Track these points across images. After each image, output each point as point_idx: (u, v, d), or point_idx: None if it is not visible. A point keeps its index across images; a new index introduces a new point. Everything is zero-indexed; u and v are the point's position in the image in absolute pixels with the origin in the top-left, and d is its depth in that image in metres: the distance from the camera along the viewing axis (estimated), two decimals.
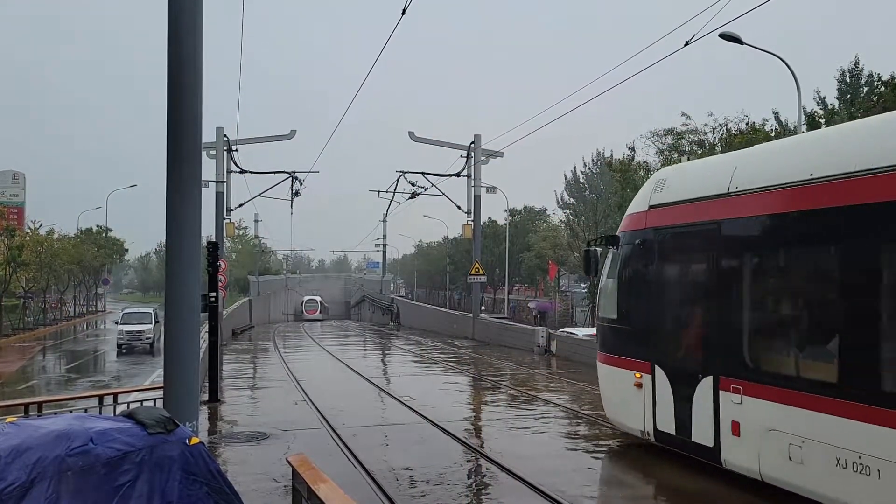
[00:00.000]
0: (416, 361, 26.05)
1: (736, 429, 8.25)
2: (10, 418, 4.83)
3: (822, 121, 26.18)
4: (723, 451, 8.49)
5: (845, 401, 6.87)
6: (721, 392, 8.46)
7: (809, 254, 7.93)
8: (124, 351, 29.90)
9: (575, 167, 71.75)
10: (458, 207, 36.17)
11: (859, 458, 6.67)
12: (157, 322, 31.80)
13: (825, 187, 7.35)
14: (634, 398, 10.04)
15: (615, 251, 11.03)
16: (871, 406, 6.60)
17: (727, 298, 8.59)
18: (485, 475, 9.73)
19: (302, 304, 75.56)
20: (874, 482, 6.51)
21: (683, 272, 9.85)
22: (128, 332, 30.58)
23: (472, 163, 34.68)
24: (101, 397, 12.47)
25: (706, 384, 8.68)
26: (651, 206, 10.23)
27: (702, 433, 8.78)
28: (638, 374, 10.02)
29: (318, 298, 76.19)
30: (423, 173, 35.93)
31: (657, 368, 9.63)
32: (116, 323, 32.38)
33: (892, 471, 6.34)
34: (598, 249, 11.80)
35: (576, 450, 11.06)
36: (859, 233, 7.10)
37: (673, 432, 9.32)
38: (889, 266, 6.97)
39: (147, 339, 30.62)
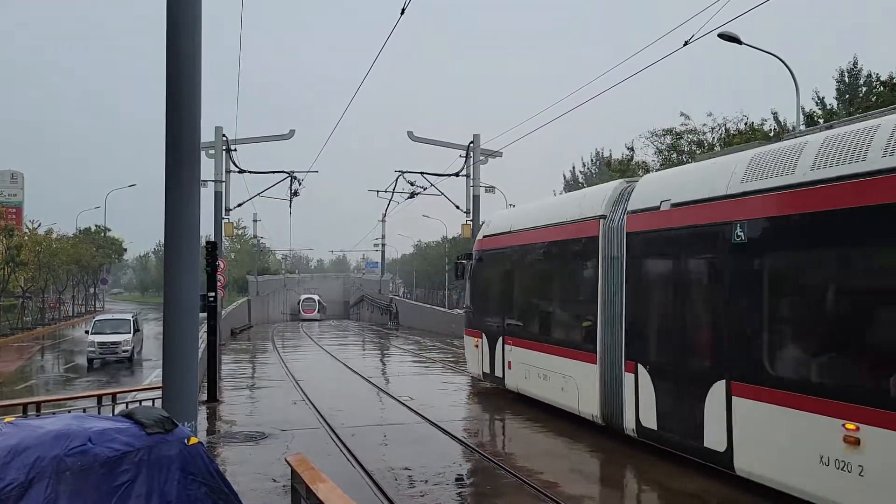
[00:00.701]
0: (414, 361, 26.04)
1: (510, 365, 14.78)
2: (9, 418, 4.82)
3: (821, 121, 26.19)
4: (506, 379, 14.99)
5: (541, 343, 13.30)
6: (505, 345, 15.03)
7: (535, 268, 14.32)
8: (96, 366, 25.47)
9: (574, 167, 71.87)
10: (457, 207, 36.13)
11: (545, 372, 13.01)
12: (137, 331, 27.62)
13: (549, 230, 13.40)
14: (476, 355, 16.73)
15: (471, 263, 17.51)
16: (547, 344, 13.06)
17: (507, 292, 15.33)
18: (484, 475, 9.73)
19: (298, 303, 71.61)
20: (548, 382, 12.90)
21: (493, 277, 16.26)
22: (100, 343, 25.75)
23: (471, 162, 34.67)
24: (99, 397, 12.47)
25: (500, 342, 15.34)
26: (484, 236, 16.87)
27: (498, 370, 15.42)
28: (476, 340, 16.73)
29: (315, 297, 72.80)
30: (422, 173, 35.86)
31: (483, 336, 16.37)
32: (87, 332, 27.09)
33: (554, 376, 12.67)
34: (464, 262, 18.08)
35: (575, 449, 11.06)
36: (551, 257, 13.47)
37: (489, 372, 15.98)
38: (557, 277, 13.24)
39: (124, 351, 26.12)
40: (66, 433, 4.10)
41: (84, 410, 10.95)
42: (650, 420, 9.81)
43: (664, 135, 29.97)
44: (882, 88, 24.45)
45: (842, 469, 6.76)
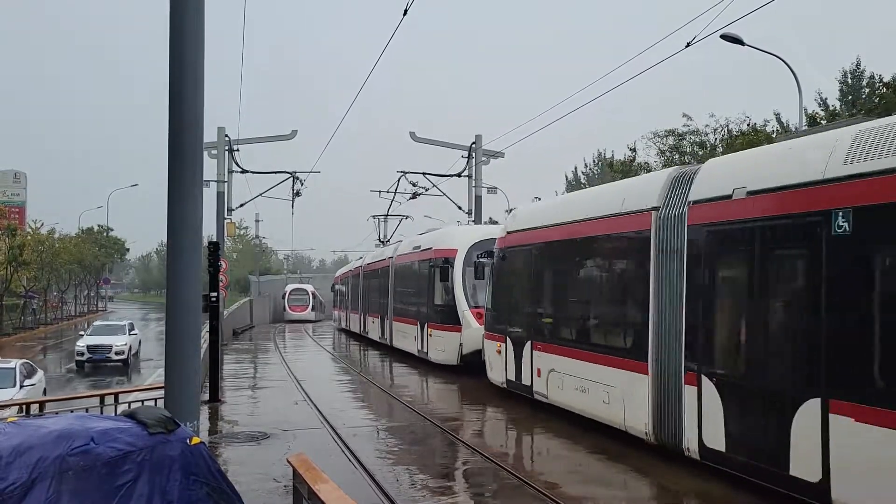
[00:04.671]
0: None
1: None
2: (12, 418, 4.83)
3: (824, 122, 26.14)
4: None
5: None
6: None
7: (370, 286, 31.44)
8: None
9: (576, 167, 71.68)
10: (459, 208, 36.10)
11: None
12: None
13: (374, 263, 31.08)
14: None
15: (336, 287, 46.27)
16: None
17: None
18: (484, 475, 9.72)
19: (284, 297, 56.16)
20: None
21: (344, 291, 39.66)
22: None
23: (473, 163, 34.66)
24: (102, 397, 12.46)
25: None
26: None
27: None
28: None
29: (308, 288, 58.26)
30: (424, 173, 35.81)
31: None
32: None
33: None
34: (335, 284, 45.53)
35: (574, 448, 11.03)
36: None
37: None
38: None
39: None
40: (68, 433, 4.11)
41: (86, 410, 10.96)
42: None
43: (666, 136, 30.00)
44: (885, 90, 24.41)
45: None
